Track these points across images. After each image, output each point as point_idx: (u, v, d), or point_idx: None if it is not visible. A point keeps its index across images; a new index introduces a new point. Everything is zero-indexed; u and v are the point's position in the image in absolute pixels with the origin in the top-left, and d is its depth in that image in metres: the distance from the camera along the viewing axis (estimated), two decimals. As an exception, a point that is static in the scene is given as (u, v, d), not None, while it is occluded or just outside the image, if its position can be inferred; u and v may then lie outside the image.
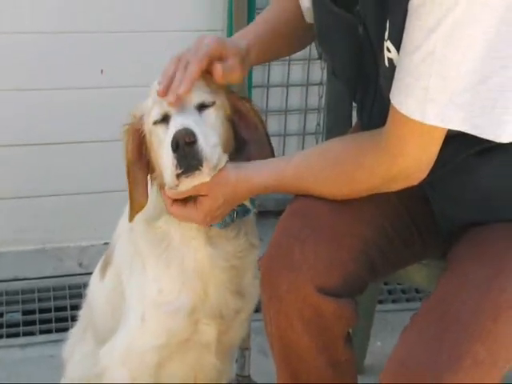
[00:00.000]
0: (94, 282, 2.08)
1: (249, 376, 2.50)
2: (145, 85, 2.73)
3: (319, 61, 3.08)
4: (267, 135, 1.81)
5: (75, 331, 2.20)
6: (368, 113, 1.77)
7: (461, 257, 1.67)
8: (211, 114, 1.71)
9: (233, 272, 1.85)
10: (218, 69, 1.71)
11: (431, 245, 1.87)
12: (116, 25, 2.97)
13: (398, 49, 1.52)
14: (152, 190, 1.82)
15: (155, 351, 1.86)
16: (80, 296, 2.76)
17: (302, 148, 3.25)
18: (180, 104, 1.68)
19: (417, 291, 3.08)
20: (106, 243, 2.99)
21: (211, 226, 1.80)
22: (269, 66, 3.11)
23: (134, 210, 1.80)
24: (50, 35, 2.94)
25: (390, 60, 1.55)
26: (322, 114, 3.25)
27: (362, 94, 1.78)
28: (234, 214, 1.82)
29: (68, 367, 2.17)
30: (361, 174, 1.64)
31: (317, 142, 3.27)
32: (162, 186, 1.76)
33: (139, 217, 1.82)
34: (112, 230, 3.07)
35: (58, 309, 2.93)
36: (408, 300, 3.06)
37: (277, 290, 1.68)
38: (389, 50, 1.54)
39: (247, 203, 1.84)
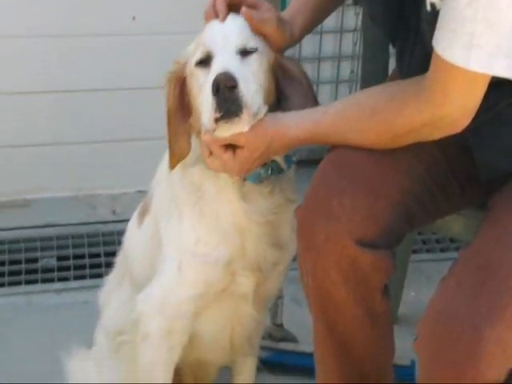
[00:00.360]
0: (132, 228, 2.07)
1: (281, 325, 2.51)
2: (176, 32, 2.79)
3: (353, 6, 3.02)
4: (311, 88, 1.80)
5: (111, 278, 2.19)
6: (408, 60, 1.74)
7: (500, 207, 1.64)
8: (254, 60, 1.69)
9: (269, 226, 1.84)
10: (245, 10, 1.72)
11: (470, 195, 1.85)
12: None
13: None
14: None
15: (192, 301, 1.85)
16: (114, 243, 2.89)
17: (336, 96, 3.21)
18: (223, 45, 1.68)
19: (451, 241, 3.06)
20: (139, 191, 3.10)
21: (245, 180, 1.79)
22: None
23: (175, 159, 1.78)
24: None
25: (432, 4, 1.52)
26: (356, 62, 3.20)
27: (401, 41, 1.76)
28: (269, 170, 1.80)
29: (104, 314, 2.17)
30: (401, 122, 1.62)
31: (350, 91, 3.23)
32: (199, 133, 1.74)
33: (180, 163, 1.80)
34: (145, 178, 3.00)
35: (91, 255, 2.95)
36: (442, 250, 3.04)
37: (314, 240, 1.67)
38: None
39: (281, 161, 1.81)
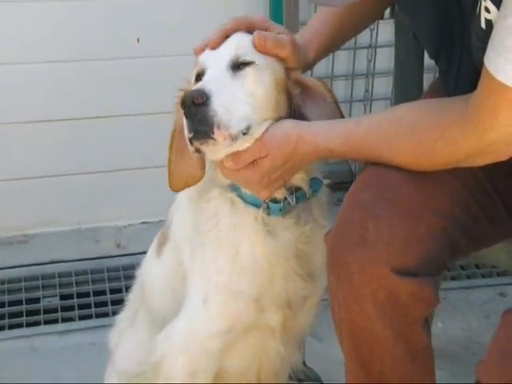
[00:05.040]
0: (150, 259, 1.96)
1: (304, 363, 2.36)
2: (179, 54, 2.68)
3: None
4: (337, 105, 1.68)
5: (123, 317, 2.09)
6: (454, 77, 1.64)
7: None
8: (248, 74, 1.58)
9: (299, 257, 1.73)
10: (257, 33, 1.61)
11: None
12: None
13: (499, 8, 1.36)
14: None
15: (219, 336, 1.74)
16: (119, 279, 2.86)
17: (350, 115, 3.07)
18: (214, 59, 1.59)
19: (477, 267, 2.95)
20: (144, 222, 3.12)
21: (269, 215, 1.68)
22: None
23: (177, 180, 1.67)
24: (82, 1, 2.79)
25: (489, 22, 1.39)
26: (370, 80, 3.10)
27: (446, 58, 1.65)
28: (294, 199, 1.68)
29: (117, 357, 2.06)
30: (442, 146, 1.50)
31: (364, 110, 3.11)
32: None
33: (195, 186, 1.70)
34: (150, 208, 3.02)
35: (96, 293, 2.82)
36: (468, 277, 2.93)
37: (347, 270, 1.55)
38: (488, 11, 1.38)
39: (306, 186, 1.70)
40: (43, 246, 2.97)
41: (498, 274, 2.91)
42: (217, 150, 1.55)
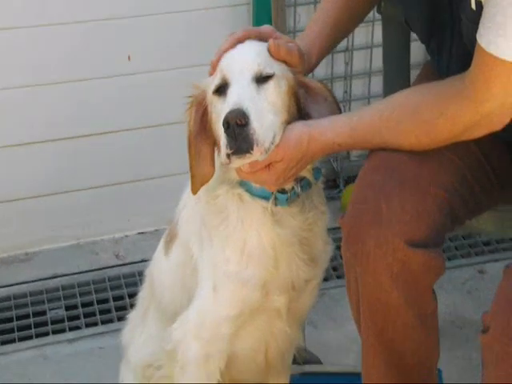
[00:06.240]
0: (158, 258, 2.03)
1: (305, 348, 2.43)
2: (171, 68, 2.78)
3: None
4: (337, 103, 1.77)
5: (134, 316, 2.17)
6: (446, 60, 1.73)
7: None
8: (271, 86, 1.66)
9: (302, 242, 1.82)
10: (272, 41, 1.69)
11: (508, 190, 1.85)
12: (140, 9, 2.91)
13: None
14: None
15: (229, 321, 1.82)
16: (121, 287, 2.93)
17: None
18: (239, 72, 1.65)
19: (456, 248, 3.06)
20: (140, 233, 3.17)
21: (276, 205, 1.76)
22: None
23: (197, 182, 1.75)
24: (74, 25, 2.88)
25: (479, 3, 1.50)
26: (348, 82, 3.20)
27: (437, 41, 1.75)
28: (298, 189, 1.77)
29: (130, 352, 2.13)
30: (442, 123, 1.60)
31: (344, 110, 3.16)
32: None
33: (204, 186, 1.78)
34: (144, 218, 3.10)
35: (100, 301, 2.89)
36: (449, 258, 3.02)
37: (364, 246, 1.64)
38: None
39: (310, 176, 1.79)
40: (45, 262, 3.03)
41: (477, 254, 3.03)
42: (248, 161, 1.63)
